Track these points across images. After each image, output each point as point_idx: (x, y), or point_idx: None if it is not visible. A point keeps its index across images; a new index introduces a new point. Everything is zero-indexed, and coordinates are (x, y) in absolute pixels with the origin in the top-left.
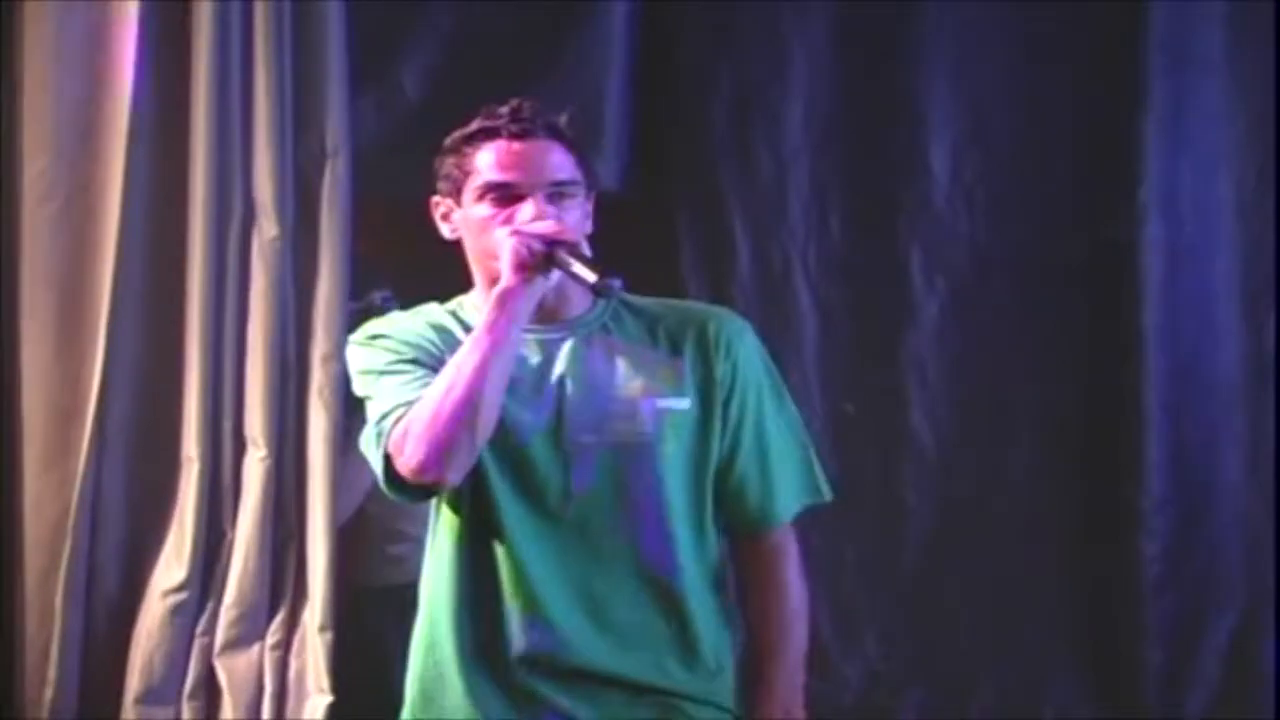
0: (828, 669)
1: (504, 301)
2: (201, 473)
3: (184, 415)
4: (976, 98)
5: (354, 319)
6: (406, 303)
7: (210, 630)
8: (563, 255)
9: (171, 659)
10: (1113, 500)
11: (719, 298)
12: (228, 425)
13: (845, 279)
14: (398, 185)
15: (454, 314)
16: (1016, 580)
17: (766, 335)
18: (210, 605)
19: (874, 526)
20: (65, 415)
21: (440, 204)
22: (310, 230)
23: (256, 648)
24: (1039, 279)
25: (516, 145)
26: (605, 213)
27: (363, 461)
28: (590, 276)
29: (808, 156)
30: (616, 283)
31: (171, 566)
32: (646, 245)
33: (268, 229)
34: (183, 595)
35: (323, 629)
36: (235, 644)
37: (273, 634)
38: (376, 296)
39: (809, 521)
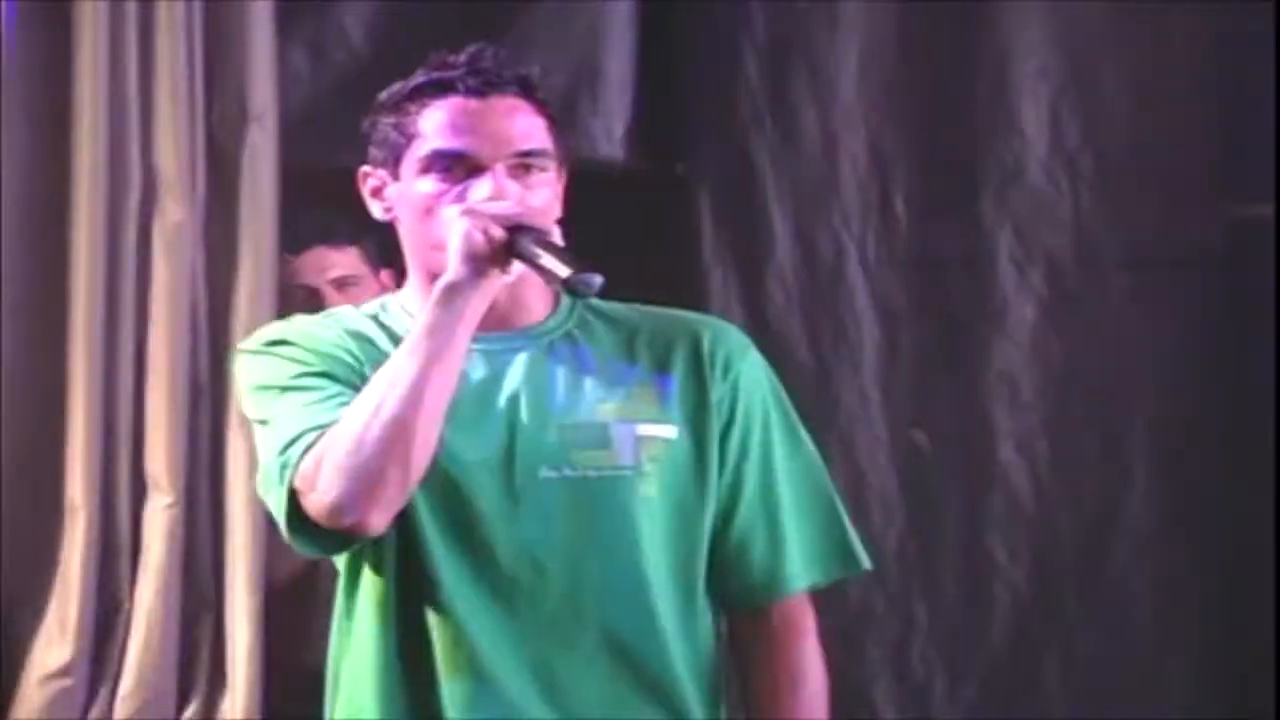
0: None
1: (450, 298)
2: (90, 524)
3: (68, 451)
4: (1080, 40)
5: None
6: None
7: None
8: (527, 244)
9: None
10: (1259, 556)
11: (752, 296)
12: (124, 463)
13: (914, 273)
14: (336, 156)
15: (376, 319)
16: (1134, 658)
17: (816, 343)
18: (102, 693)
19: (953, 587)
20: None
21: (370, 176)
22: (227, 212)
23: None
24: (1161, 270)
25: (474, 104)
26: (605, 189)
27: None
28: (562, 270)
29: (864, 117)
30: (596, 279)
31: (53, 643)
32: (658, 230)
33: (172, 211)
34: (67, 681)
35: None
36: None
37: None
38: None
39: (870, 579)
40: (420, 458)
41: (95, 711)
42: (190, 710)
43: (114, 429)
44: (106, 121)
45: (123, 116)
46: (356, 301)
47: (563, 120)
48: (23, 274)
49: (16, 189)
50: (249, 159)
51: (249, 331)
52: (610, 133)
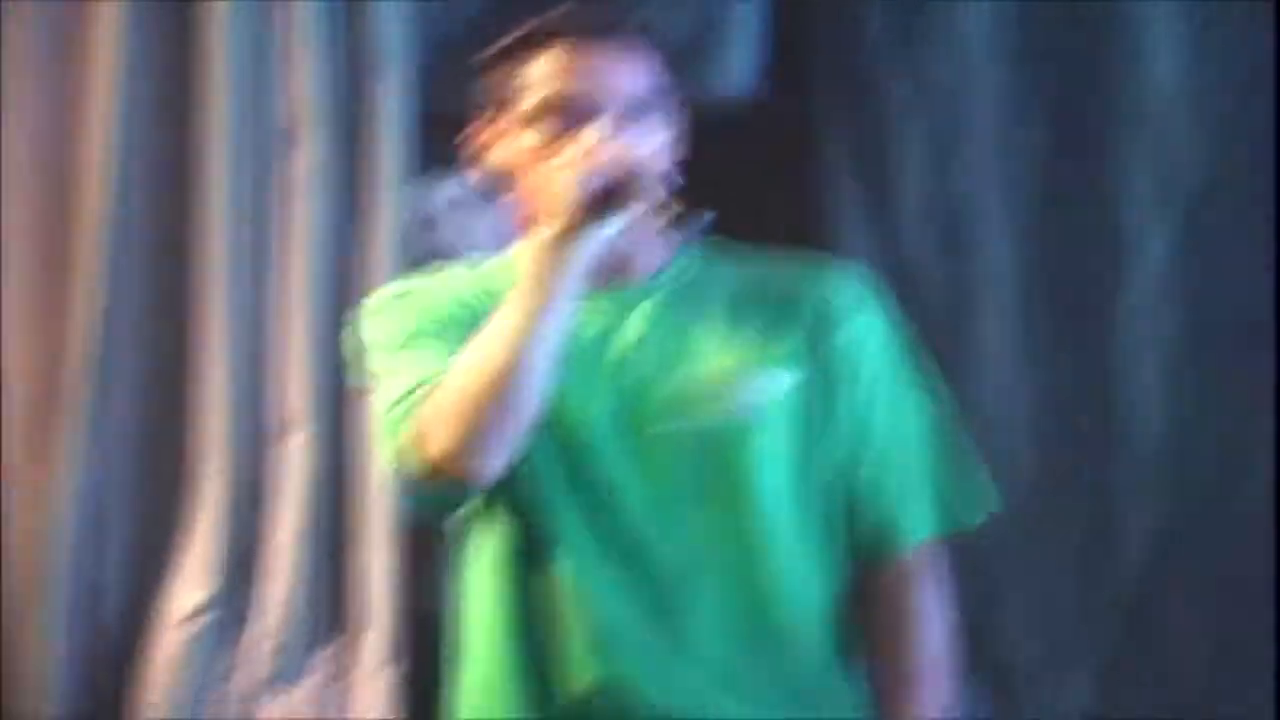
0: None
1: (554, 250)
2: (228, 462)
3: (206, 389)
4: None
5: None
6: None
7: (243, 666)
8: (633, 192)
9: (192, 703)
10: None
11: (882, 240)
12: (262, 401)
13: (1046, 213)
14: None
15: (491, 274)
16: (1268, 602)
17: (948, 288)
18: (242, 634)
19: (1083, 536)
20: (50, 392)
21: (481, 127)
22: (362, 156)
23: (303, 688)
24: None
25: (582, 51)
26: (732, 132)
27: None
28: (668, 216)
29: (995, 59)
30: (704, 221)
31: (191, 584)
32: (787, 173)
33: (307, 154)
34: (205, 620)
35: (388, 662)
36: (275, 682)
37: (323, 669)
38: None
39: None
40: (527, 409)
41: (234, 651)
42: (329, 649)
43: (252, 366)
44: (239, 66)
45: (257, 61)
46: (463, 234)
47: (688, 62)
48: (152, 221)
49: (145, 134)
50: (385, 100)
51: (384, 271)
52: (738, 74)
